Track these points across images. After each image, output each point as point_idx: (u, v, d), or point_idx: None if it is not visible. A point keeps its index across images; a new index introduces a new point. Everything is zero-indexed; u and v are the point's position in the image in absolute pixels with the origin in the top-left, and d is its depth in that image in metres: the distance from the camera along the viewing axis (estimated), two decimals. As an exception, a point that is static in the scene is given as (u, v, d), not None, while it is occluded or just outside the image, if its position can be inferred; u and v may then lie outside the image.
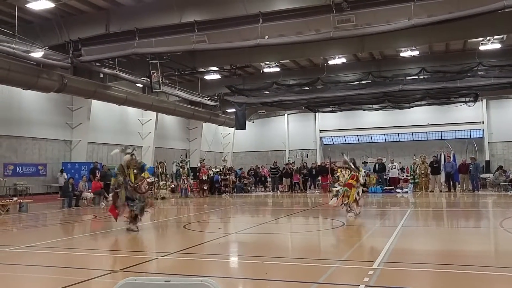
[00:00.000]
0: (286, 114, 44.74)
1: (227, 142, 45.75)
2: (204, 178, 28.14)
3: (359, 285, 6.26)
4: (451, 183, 28.25)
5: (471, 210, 18.73)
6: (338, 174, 15.84)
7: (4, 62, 20.16)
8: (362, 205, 15.33)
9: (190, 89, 32.19)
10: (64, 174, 25.42)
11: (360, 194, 15.04)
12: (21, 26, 20.11)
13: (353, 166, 15.42)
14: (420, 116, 39.57)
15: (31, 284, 7.23)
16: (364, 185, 16.52)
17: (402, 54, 26.76)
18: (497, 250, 10.17)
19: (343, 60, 27.82)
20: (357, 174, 15.05)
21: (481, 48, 25.09)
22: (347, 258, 8.66)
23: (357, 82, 29.69)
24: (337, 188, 14.90)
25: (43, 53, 21.09)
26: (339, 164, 19.66)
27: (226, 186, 30.12)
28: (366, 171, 16.56)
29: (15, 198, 20.18)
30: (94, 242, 11.71)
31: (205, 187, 28.26)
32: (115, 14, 20.83)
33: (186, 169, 27.67)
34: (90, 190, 22.55)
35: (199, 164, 30.03)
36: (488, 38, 24.01)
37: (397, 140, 41.93)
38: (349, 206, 14.67)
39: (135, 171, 12.26)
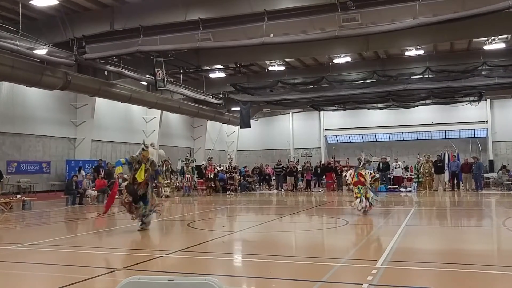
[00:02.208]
0: (290, 113, 44.71)
1: (231, 140, 45.73)
2: (210, 176, 28.13)
3: (362, 284, 6.25)
4: (455, 182, 28.22)
5: (475, 209, 18.69)
6: (345, 174, 16.02)
7: (8, 59, 20.17)
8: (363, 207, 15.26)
9: (194, 87, 32.20)
10: (83, 172, 25.13)
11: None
12: (24, 23, 20.07)
13: (360, 165, 15.45)
14: (424, 115, 39.51)
15: (34, 282, 7.25)
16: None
17: (407, 53, 26.70)
18: (500, 249, 10.16)
19: (348, 59, 27.79)
20: (361, 172, 15.14)
21: (486, 47, 25.02)
22: (350, 256, 8.66)
23: (362, 81, 29.70)
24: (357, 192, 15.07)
25: (47, 50, 21.08)
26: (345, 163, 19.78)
27: (231, 185, 30.14)
28: (372, 172, 16.72)
29: (18, 196, 20.23)
30: (98, 240, 11.73)
31: (212, 185, 28.26)
32: (120, 11, 20.81)
33: (190, 167, 27.69)
34: (94, 188, 22.57)
35: (203, 162, 30.04)
36: (492, 37, 23.94)
37: (401, 139, 41.88)
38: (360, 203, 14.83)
39: (146, 166, 12.06)
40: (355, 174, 15.23)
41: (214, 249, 9.84)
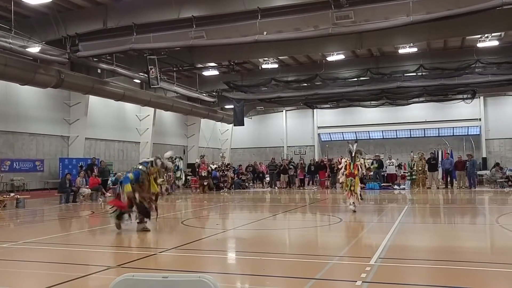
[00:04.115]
0: (284, 111, 44.72)
1: (225, 138, 45.69)
2: (203, 174, 28.10)
3: (356, 281, 6.27)
4: (449, 179, 28.32)
5: (468, 207, 18.77)
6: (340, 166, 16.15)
7: (1, 57, 20.06)
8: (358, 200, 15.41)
9: (188, 85, 32.14)
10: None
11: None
12: (17, 21, 19.97)
13: (351, 155, 15.47)
14: (417, 113, 39.61)
15: (28, 280, 7.23)
16: (361, 181, 16.79)
17: (401, 51, 26.76)
18: (493, 246, 10.21)
19: (341, 56, 27.78)
20: (357, 163, 15.27)
21: (479, 45, 25.07)
22: (344, 254, 8.68)
23: (355, 79, 29.69)
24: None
25: (40, 48, 20.99)
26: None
27: (224, 182, 30.12)
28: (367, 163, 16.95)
29: (12, 194, 20.14)
30: (92, 238, 11.71)
31: (205, 183, 28.23)
32: (113, 9, 20.75)
33: (173, 166, 27.62)
34: (87, 186, 22.51)
35: (197, 160, 29.98)
36: (486, 35, 24.00)
37: (395, 136, 41.97)
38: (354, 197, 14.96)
39: (153, 177, 11.82)
40: (352, 164, 15.26)
41: (208, 246, 9.84)
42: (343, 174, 15.51)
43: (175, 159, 28.39)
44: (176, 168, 28.00)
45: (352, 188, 15.03)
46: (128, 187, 11.32)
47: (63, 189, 21.08)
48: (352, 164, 15.24)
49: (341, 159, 16.37)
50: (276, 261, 8.17)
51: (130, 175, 11.56)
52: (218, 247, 9.74)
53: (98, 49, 21.91)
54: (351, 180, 15.08)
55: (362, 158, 15.76)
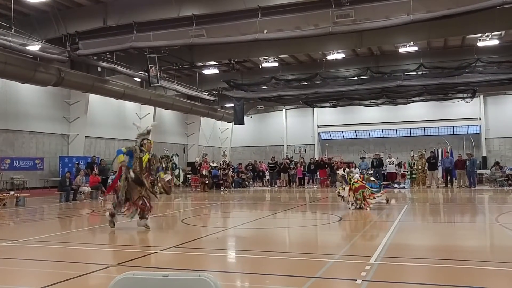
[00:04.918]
0: (284, 109, 44.71)
1: (225, 137, 45.66)
2: (204, 173, 28.11)
3: (356, 280, 6.26)
4: (449, 178, 28.32)
5: (468, 206, 18.75)
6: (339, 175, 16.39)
7: (1, 55, 20.07)
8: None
9: (188, 84, 32.14)
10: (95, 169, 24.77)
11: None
12: (17, 19, 20.00)
13: (347, 177, 15.84)
14: (418, 112, 39.64)
15: (29, 278, 7.22)
16: None
17: (401, 50, 26.77)
18: (493, 245, 10.20)
19: (341, 55, 27.79)
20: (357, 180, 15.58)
21: (479, 44, 25.10)
22: (344, 252, 8.66)
23: (356, 78, 29.69)
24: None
25: (40, 46, 20.99)
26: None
27: (225, 181, 30.14)
28: (360, 172, 17.31)
29: (12, 192, 20.15)
30: (92, 236, 11.70)
31: (206, 182, 28.23)
32: (113, 7, 20.77)
33: (170, 164, 27.66)
34: (87, 184, 22.51)
35: (197, 159, 29.96)
36: (486, 34, 24.01)
37: (395, 135, 41.97)
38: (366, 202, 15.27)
39: (149, 156, 11.91)
40: (353, 183, 15.52)
41: (208, 245, 9.83)
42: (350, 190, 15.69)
43: (172, 156, 28.40)
44: (175, 166, 28.03)
45: (366, 195, 15.30)
46: (121, 157, 11.59)
47: (63, 188, 21.08)
48: (351, 182, 15.56)
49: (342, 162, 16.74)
50: (276, 259, 8.17)
51: (123, 148, 12.10)
52: (218, 246, 9.72)
53: (98, 48, 21.92)
54: (362, 191, 15.29)
55: (352, 175, 16.04)
